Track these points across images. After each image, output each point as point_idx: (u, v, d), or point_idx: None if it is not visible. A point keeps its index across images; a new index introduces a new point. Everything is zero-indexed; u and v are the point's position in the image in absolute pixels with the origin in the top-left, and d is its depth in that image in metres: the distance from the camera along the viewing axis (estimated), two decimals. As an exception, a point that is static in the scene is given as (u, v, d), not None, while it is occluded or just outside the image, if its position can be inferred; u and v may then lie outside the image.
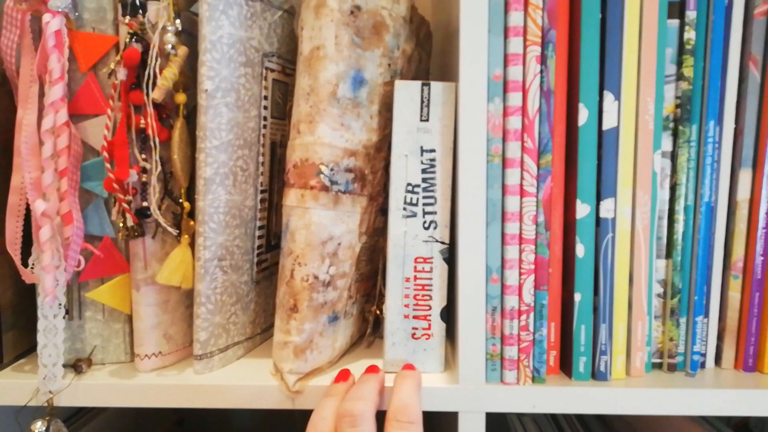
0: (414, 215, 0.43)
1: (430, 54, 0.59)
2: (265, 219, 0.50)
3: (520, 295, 0.43)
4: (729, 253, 0.46)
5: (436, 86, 0.43)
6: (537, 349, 0.44)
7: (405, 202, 0.43)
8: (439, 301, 0.44)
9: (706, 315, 0.46)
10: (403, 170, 0.43)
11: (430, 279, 0.44)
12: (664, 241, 0.45)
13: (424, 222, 0.43)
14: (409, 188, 0.43)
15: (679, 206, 0.44)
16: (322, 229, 0.42)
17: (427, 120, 0.43)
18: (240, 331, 0.49)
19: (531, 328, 0.43)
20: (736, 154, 0.45)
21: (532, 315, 0.43)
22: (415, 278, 0.44)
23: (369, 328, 0.53)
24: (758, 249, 0.45)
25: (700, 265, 0.45)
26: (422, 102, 0.42)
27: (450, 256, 0.44)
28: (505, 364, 0.43)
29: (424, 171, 0.43)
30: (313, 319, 0.43)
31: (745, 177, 0.45)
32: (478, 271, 0.42)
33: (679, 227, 0.45)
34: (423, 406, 0.43)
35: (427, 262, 0.44)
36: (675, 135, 0.44)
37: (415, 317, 0.45)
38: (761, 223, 0.45)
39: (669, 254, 0.45)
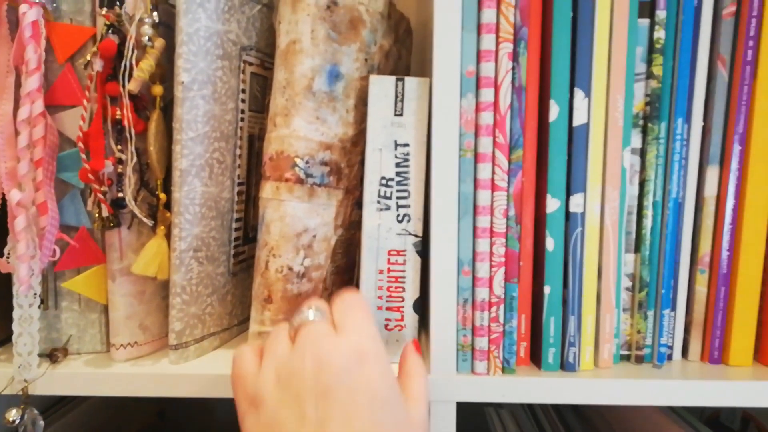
0: (388, 208, 0.44)
1: (410, 51, 0.60)
2: (243, 212, 0.51)
3: (490, 287, 0.43)
4: (696, 248, 0.47)
5: (411, 81, 0.43)
6: (507, 340, 0.44)
7: (379, 196, 0.44)
8: (411, 293, 0.45)
9: (673, 308, 0.47)
10: (377, 164, 0.44)
11: (404, 271, 0.45)
12: (633, 235, 0.46)
13: (398, 215, 0.44)
14: (383, 182, 0.44)
15: (648, 202, 0.45)
16: (296, 221, 0.43)
17: (401, 114, 0.43)
18: (216, 322, 0.49)
19: (501, 320, 0.44)
20: (704, 151, 0.46)
21: (502, 307, 0.44)
22: (389, 270, 0.45)
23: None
24: (724, 244, 0.46)
25: (667, 260, 0.46)
26: (396, 97, 0.43)
27: (423, 249, 0.45)
28: (476, 354, 0.44)
29: (398, 165, 0.44)
30: (288, 310, 0.44)
31: (712, 174, 0.46)
32: (450, 263, 0.43)
33: (648, 222, 0.46)
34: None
35: (400, 255, 0.44)
36: (644, 132, 0.45)
37: (388, 309, 0.45)
38: (727, 219, 0.46)
39: (638, 249, 0.46)
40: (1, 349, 0.49)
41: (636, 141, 0.45)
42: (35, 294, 0.43)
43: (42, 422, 0.44)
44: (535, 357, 0.46)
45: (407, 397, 0.37)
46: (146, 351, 0.47)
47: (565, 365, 0.45)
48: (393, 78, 0.43)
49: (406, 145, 0.44)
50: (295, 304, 0.45)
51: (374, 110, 0.44)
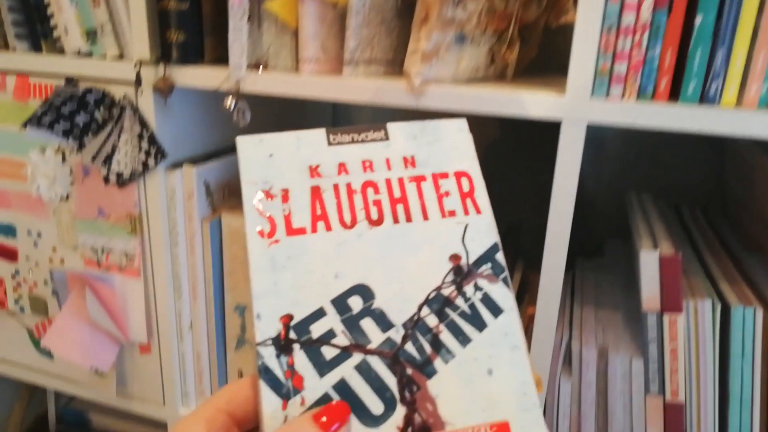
0: None
1: None
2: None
3: (638, 11, 0.45)
4: None
5: None
6: (647, 68, 0.46)
7: None
8: None
9: None
10: None
11: None
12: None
13: None
14: None
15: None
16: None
17: None
18: (382, 52, 0.57)
19: (644, 46, 0.45)
20: None
21: (647, 33, 0.45)
22: None
23: (510, 68, 0.59)
24: None
25: None
26: None
27: None
28: (614, 79, 0.46)
29: None
30: (441, 30, 0.50)
31: None
32: (599, -13, 0.45)
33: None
34: (528, 113, 0.48)
35: None
36: None
37: None
38: None
39: (815, -17, 0.43)
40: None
41: None
42: (244, 10, 0.54)
43: (249, 112, 0.57)
44: (676, 94, 0.47)
45: None
46: (325, 68, 0.57)
47: (705, 98, 0.46)
48: None
49: None
50: (449, 28, 0.50)
51: None
